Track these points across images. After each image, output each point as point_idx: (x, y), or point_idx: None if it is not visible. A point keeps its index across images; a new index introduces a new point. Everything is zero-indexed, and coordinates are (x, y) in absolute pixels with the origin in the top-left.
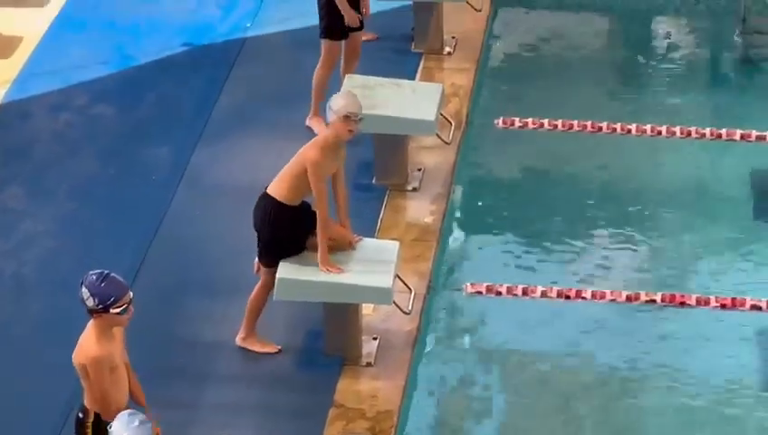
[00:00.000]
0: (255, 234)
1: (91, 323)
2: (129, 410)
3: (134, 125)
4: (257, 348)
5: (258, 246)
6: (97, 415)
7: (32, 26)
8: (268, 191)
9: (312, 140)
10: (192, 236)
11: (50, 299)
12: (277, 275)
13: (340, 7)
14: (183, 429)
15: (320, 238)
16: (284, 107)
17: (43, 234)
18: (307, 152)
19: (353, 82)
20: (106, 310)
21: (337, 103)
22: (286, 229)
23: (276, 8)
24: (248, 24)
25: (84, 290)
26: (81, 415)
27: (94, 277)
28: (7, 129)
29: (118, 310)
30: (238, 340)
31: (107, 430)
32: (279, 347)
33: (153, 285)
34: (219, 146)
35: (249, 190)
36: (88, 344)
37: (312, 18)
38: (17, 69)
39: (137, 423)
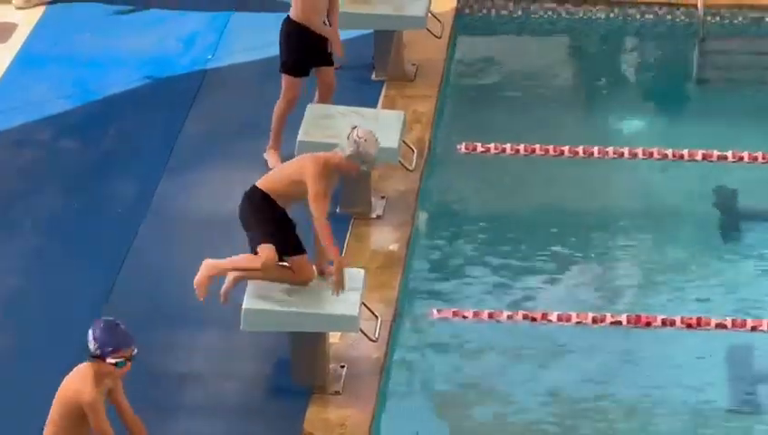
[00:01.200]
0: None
1: (87, 366)
2: None
3: (98, 159)
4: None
5: (250, 243)
6: None
7: None
8: (258, 185)
9: (315, 155)
10: (159, 267)
11: (15, 336)
12: (243, 306)
13: (327, 35)
14: None
15: (325, 241)
16: (247, 137)
17: (7, 270)
18: (308, 166)
19: (315, 111)
20: (102, 357)
21: (365, 147)
22: (272, 223)
23: (236, 40)
24: (209, 57)
25: (90, 333)
26: None
27: (102, 323)
28: None
29: (113, 360)
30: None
31: None
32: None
33: (120, 317)
34: (184, 177)
35: (214, 220)
36: (83, 387)
37: (271, 49)
38: None
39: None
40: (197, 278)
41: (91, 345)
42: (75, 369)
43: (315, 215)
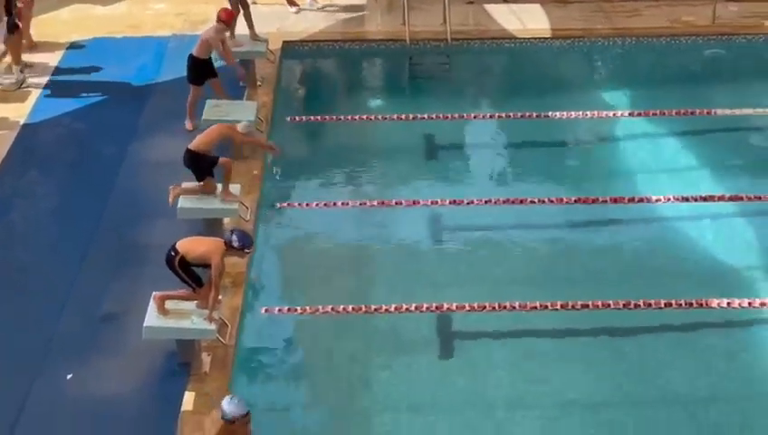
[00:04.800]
0: None
1: (222, 244)
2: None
3: (92, 133)
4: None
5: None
6: (183, 257)
7: None
8: (190, 147)
9: (222, 124)
10: (133, 188)
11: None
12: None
13: (226, 61)
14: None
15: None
16: (173, 119)
17: (45, 194)
18: (217, 129)
19: (210, 103)
20: (241, 249)
21: (250, 129)
22: (203, 166)
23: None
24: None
25: (234, 236)
26: (172, 253)
27: (243, 232)
28: None
29: (248, 251)
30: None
31: (189, 265)
32: None
33: (116, 219)
34: (145, 140)
35: (164, 164)
36: (217, 255)
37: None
38: None
39: (236, 400)
40: (171, 195)
41: (236, 243)
42: (214, 240)
43: (228, 134)
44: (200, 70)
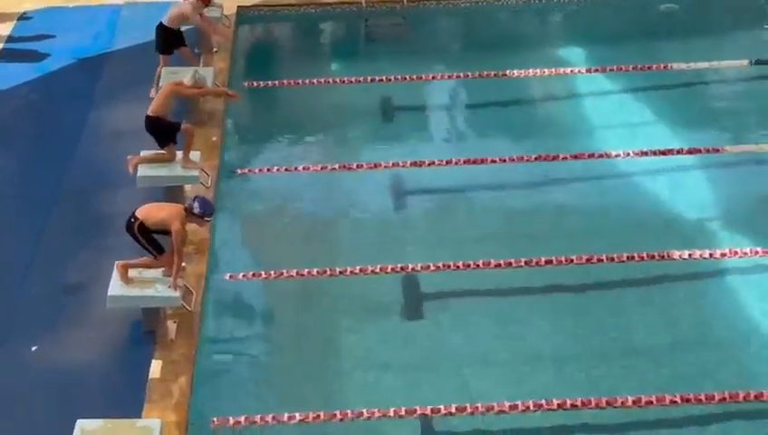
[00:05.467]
0: None
1: (183, 210)
2: None
3: (49, 101)
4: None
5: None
6: (142, 223)
7: None
8: (149, 114)
9: (170, 83)
10: (93, 157)
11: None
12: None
13: (202, 28)
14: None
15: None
16: (134, 86)
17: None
18: (168, 88)
19: (168, 70)
20: (202, 217)
21: (201, 80)
22: (164, 132)
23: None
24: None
25: (195, 203)
26: (131, 219)
27: (204, 199)
28: None
29: (208, 220)
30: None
31: (149, 231)
32: None
33: (75, 186)
34: (103, 109)
35: (126, 132)
36: (177, 221)
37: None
38: None
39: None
40: (131, 165)
41: (197, 210)
42: (175, 206)
43: (179, 91)
44: (171, 40)
